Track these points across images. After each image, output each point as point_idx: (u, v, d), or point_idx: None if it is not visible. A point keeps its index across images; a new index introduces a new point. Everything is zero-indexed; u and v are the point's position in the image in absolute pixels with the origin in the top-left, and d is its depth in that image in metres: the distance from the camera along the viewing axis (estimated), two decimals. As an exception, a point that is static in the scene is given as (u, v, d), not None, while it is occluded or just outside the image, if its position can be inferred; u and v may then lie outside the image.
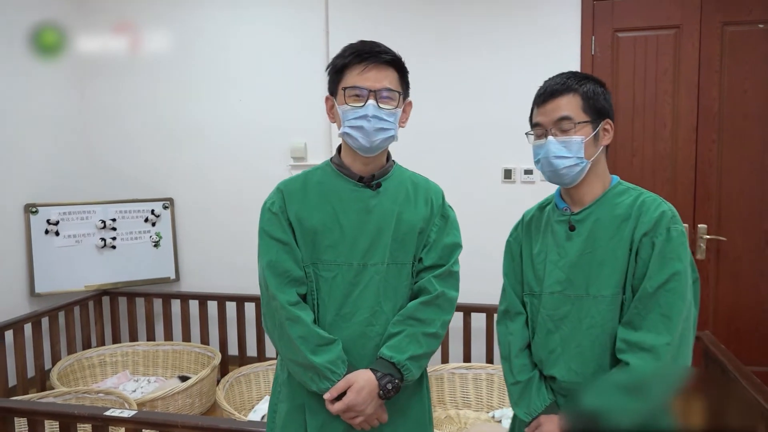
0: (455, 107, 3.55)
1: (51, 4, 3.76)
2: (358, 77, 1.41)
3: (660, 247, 1.30)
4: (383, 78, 1.42)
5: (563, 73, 1.44)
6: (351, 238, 1.44)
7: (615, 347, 1.34)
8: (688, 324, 1.31)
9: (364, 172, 1.49)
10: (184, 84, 3.94)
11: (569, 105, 1.39)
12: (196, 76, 3.92)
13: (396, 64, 1.45)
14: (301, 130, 3.74)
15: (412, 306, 1.47)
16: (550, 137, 1.40)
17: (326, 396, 1.38)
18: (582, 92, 1.39)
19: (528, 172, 3.46)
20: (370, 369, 1.40)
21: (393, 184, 1.51)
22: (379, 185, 1.49)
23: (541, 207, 1.56)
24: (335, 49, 1.47)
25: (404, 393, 1.47)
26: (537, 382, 1.45)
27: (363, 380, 1.38)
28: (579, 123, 1.38)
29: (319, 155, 3.67)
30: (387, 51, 1.44)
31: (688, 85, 3.22)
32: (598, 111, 1.40)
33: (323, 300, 1.45)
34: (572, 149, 1.37)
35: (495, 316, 3.34)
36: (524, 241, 1.55)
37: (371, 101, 1.40)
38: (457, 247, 1.55)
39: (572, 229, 1.42)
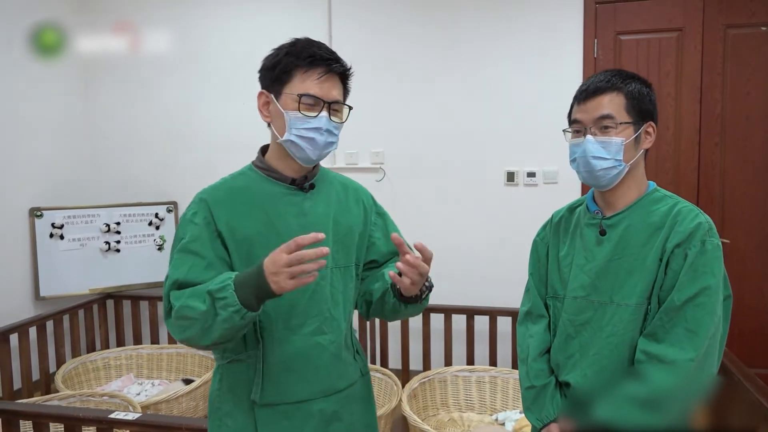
0: (458, 111, 3.56)
1: (51, 4, 3.78)
2: (314, 84, 1.30)
3: (692, 260, 1.24)
4: (334, 88, 1.33)
5: (609, 70, 1.38)
6: None
7: (634, 358, 1.29)
8: (715, 341, 1.25)
9: (297, 175, 1.38)
10: (187, 87, 3.95)
11: (612, 104, 1.32)
12: (199, 80, 3.93)
13: (346, 76, 1.38)
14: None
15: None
16: (588, 136, 1.33)
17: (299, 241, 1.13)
18: (627, 91, 1.33)
19: (531, 174, 3.47)
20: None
21: (323, 185, 1.43)
22: (312, 186, 1.40)
23: (572, 208, 1.51)
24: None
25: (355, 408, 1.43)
26: (552, 389, 1.41)
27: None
28: (621, 123, 1.32)
29: (322, 158, 3.68)
30: (340, 60, 1.36)
31: (690, 88, 3.23)
32: (641, 112, 1.34)
33: (267, 314, 1.31)
34: (611, 150, 1.31)
35: (498, 318, 3.37)
36: (551, 242, 1.50)
37: (324, 113, 1.31)
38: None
39: (603, 233, 1.37)
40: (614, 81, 1.34)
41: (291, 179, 1.38)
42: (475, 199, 3.57)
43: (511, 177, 3.51)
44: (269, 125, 1.41)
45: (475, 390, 3.17)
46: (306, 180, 1.40)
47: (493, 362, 3.31)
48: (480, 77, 3.52)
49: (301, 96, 1.30)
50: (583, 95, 1.36)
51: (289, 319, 1.33)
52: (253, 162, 1.45)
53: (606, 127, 1.32)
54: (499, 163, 3.53)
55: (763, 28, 3.12)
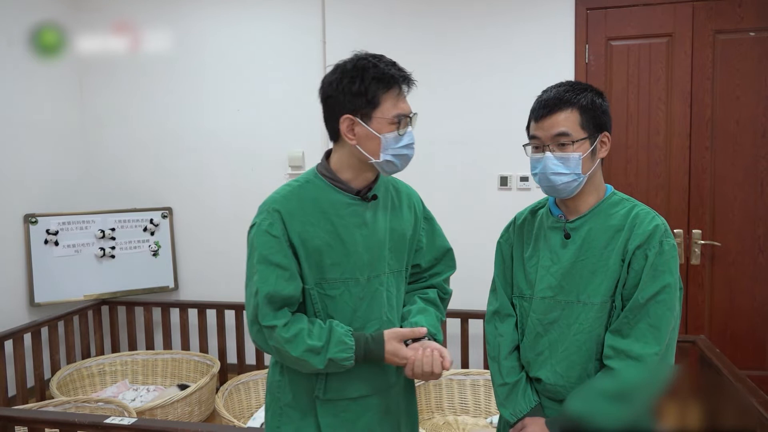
0: (452, 115, 3.58)
1: (51, 4, 3.79)
2: (400, 103, 1.39)
3: (653, 260, 1.32)
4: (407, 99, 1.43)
5: (561, 85, 1.43)
6: (353, 254, 1.42)
7: (602, 353, 1.37)
8: (675, 333, 1.35)
9: (362, 187, 1.47)
10: (182, 93, 3.97)
11: (567, 121, 1.37)
12: (193, 86, 3.95)
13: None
14: (299, 139, 3.77)
15: (432, 296, 1.57)
16: (548, 153, 1.39)
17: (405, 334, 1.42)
18: (580, 106, 1.38)
19: (524, 179, 3.49)
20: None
21: (380, 192, 1.51)
22: (375, 197, 1.47)
23: (533, 211, 1.57)
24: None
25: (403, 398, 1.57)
26: (524, 384, 1.48)
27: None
28: (577, 141, 1.37)
29: (316, 163, 3.69)
30: (408, 73, 1.43)
31: (681, 93, 3.26)
32: (596, 125, 1.39)
33: (330, 318, 1.43)
34: (570, 165, 1.37)
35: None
36: (515, 244, 1.57)
37: (410, 127, 1.41)
38: (451, 251, 1.66)
39: (567, 237, 1.43)
40: (567, 96, 1.38)
41: (356, 191, 1.46)
42: (469, 203, 3.59)
43: (504, 181, 3.54)
44: (335, 139, 1.46)
45: (469, 393, 3.19)
46: (369, 190, 1.47)
47: (487, 365, 3.32)
48: (473, 82, 3.55)
49: (398, 117, 1.38)
50: (539, 113, 1.41)
51: (351, 323, 1.43)
52: (317, 168, 1.50)
53: (563, 144, 1.38)
54: (492, 167, 3.56)
55: (752, 34, 3.16)
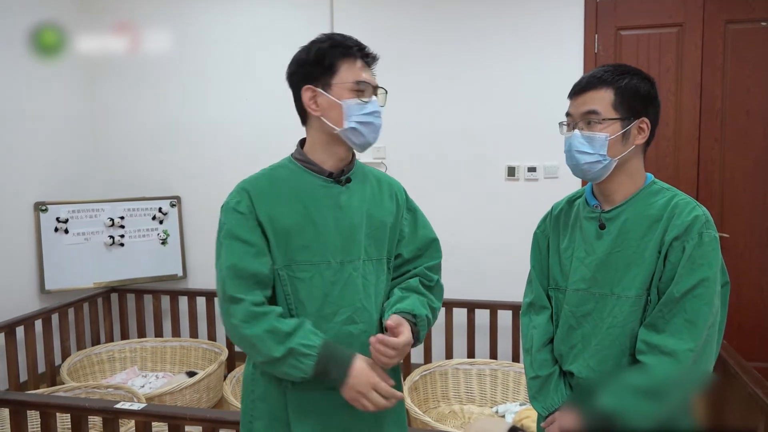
0: (459, 106, 3.58)
1: (51, 4, 3.79)
2: (361, 72, 1.38)
3: (690, 252, 1.26)
4: (373, 75, 1.43)
5: (607, 65, 1.38)
6: (325, 236, 1.38)
7: (635, 348, 1.32)
8: (713, 331, 1.29)
9: (335, 168, 1.44)
10: (190, 83, 3.98)
11: (599, 99, 1.34)
12: (201, 75, 3.96)
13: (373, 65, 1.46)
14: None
15: (413, 283, 1.49)
16: (576, 131, 1.37)
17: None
18: (617, 87, 1.33)
19: (531, 169, 3.49)
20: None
21: (358, 179, 1.48)
22: (348, 180, 1.45)
23: (570, 200, 1.53)
24: None
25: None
26: (556, 378, 1.45)
27: (405, 324, 1.36)
28: (606, 119, 1.33)
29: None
30: (369, 50, 1.43)
31: (690, 83, 3.24)
32: (632, 108, 1.34)
33: (301, 302, 1.38)
34: (595, 145, 1.34)
35: (498, 312, 3.40)
36: (552, 235, 1.53)
37: (374, 97, 1.40)
38: (436, 240, 1.60)
39: (602, 227, 1.39)
40: (606, 76, 1.35)
41: (329, 173, 1.43)
42: (476, 194, 3.59)
43: (512, 172, 3.53)
44: (305, 121, 1.47)
45: (475, 383, 3.20)
46: (343, 173, 1.44)
47: (493, 355, 3.34)
48: (481, 73, 3.54)
49: (358, 83, 1.37)
50: (575, 89, 1.39)
51: (322, 308, 1.38)
52: (292, 154, 1.50)
53: (591, 123, 1.35)
54: (500, 158, 3.55)
55: (763, 24, 3.13)
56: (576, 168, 1.39)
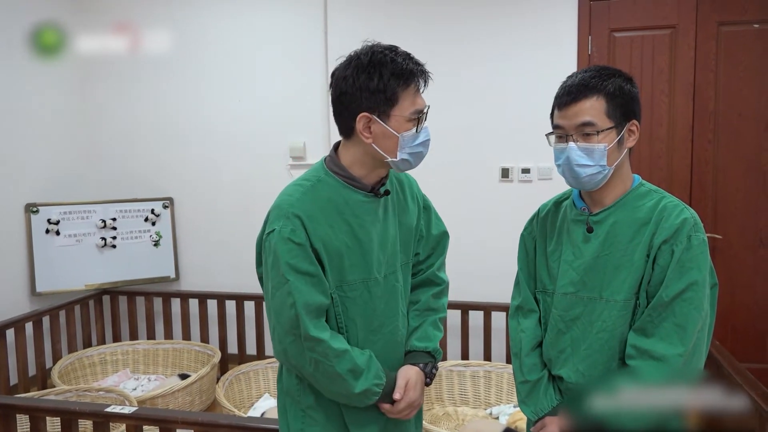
0: (453, 107, 3.57)
1: (51, 4, 3.78)
2: (418, 98, 1.34)
3: (679, 256, 1.25)
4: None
5: (587, 70, 1.35)
6: (371, 253, 1.39)
7: (624, 352, 1.31)
8: (703, 334, 1.28)
9: (375, 182, 1.41)
10: (183, 84, 3.96)
11: (593, 109, 1.29)
12: (195, 77, 3.94)
13: None
14: (300, 130, 3.76)
15: (425, 299, 1.55)
16: (571, 143, 1.32)
17: (396, 396, 1.40)
18: (607, 93, 1.30)
19: (525, 171, 3.49)
20: (411, 364, 1.47)
21: (390, 186, 1.48)
22: (387, 192, 1.43)
23: (557, 202, 1.51)
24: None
25: None
26: (546, 382, 1.44)
27: (414, 376, 1.44)
28: (603, 130, 1.29)
29: (317, 154, 3.68)
30: (424, 66, 1.37)
31: (684, 85, 3.25)
32: (623, 113, 1.32)
33: (351, 320, 1.40)
34: (595, 157, 1.29)
35: (492, 313, 3.39)
36: (538, 237, 1.51)
37: (424, 123, 1.36)
38: (446, 235, 1.63)
39: (590, 230, 1.37)
40: (593, 83, 1.30)
41: (370, 186, 1.41)
42: (470, 195, 3.59)
43: (505, 173, 3.53)
44: (348, 136, 1.38)
45: (469, 384, 3.20)
46: (381, 185, 1.43)
47: (487, 357, 3.34)
48: (475, 74, 3.53)
49: (416, 114, 1.33)
50: (563, 100, 1.34)
51: (371, 322, 1.42)
52: (326, 164, 1.42)
53: (588, 134, 1.30)
54: (493, 159, 3.55)
55: (756, 26, 3.14)
56: (575, 181, 1.35)
